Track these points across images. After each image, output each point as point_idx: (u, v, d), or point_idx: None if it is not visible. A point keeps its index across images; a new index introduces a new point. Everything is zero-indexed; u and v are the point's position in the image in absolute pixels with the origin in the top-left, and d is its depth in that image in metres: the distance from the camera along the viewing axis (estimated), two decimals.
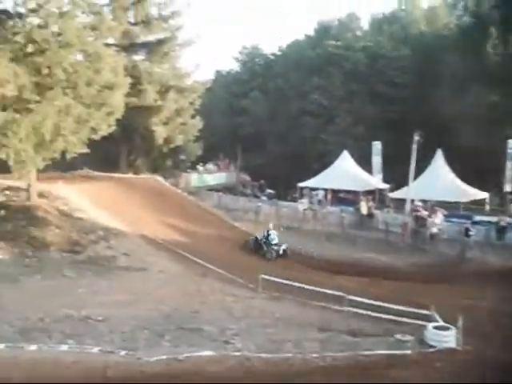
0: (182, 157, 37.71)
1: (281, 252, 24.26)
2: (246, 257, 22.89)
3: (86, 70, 21.06)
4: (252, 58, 58.10)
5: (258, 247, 24.54)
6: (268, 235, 24.63)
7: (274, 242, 24.35)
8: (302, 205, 32.90)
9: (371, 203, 31.61)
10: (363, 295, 14.95)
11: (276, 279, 17.10)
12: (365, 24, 54.19)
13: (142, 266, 18.71)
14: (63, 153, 21.11)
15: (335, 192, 35.33)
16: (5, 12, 21.31)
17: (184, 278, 18.19)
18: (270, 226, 25.18)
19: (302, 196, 35.69)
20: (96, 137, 21.98)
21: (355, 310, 14.73)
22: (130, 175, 31.79)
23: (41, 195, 22.77)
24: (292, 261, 23.34)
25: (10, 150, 19.24)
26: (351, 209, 31.64)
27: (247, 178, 43.54)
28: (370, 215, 30.34)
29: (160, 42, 34.91)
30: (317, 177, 36.16)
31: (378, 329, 13.02)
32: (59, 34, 21.04)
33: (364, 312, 14.46)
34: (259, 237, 24.76)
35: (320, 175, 36.19)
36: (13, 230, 19.75)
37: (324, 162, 37.94)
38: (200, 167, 40.42)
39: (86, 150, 21.70)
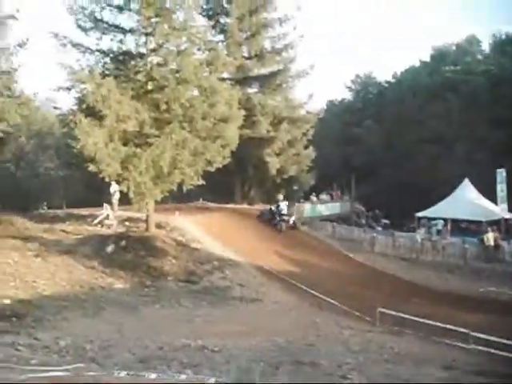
0: (295, 187, 37.67)
1: (291, 222, 27.06)
2: (362, 289, 22.17)
3: (201, 104, 21.72)
4: (365, 87, 57.59)
5: (271, 218, 27.09)
6: (278, 206, 27.12)
7: (282, 212, 26.51)
8: (420, 235, 31.57)
9: (497, 234, 29.72)
10: (490, 332, 13.86)
11: (394, 312, 16.39)
12: (486, 47, 52.11)
13: (256, 297, 18.62)
14: (180, 185, 21.75)
15: (456, 222, 33.64)
16: (128, 53, 22.60)
17: (299, 310, 17.85)
18: (280, 197, 26.14)
19: (419, 226, 34.32)
20: (211, 169, 22.48)
21: (481, 347, 13.68)
22: (243, 206, 32.18)
23: (159, 226, 23.53)
24: (410, 293, 22.33)
25: (131, 182, 20.12)
26: (474, 239, 29.90)
27: (361, 207, 42.68)
28: (497, 246, 28.49)
29: (273, 75, 35.41)
30: (436, 206, 34.66)
31: (509, 370, 11.95)
32: (177, 71, 21.95)
33: (492, 351, 13.39)
34: (273, 208, 27.36)
35: (439, 204, 34.65)
36: (132, 260, 20.45)
37: (443, 190, 36.26)
38: (313, 197, 40.13)
39: (201, 182, 22.21)
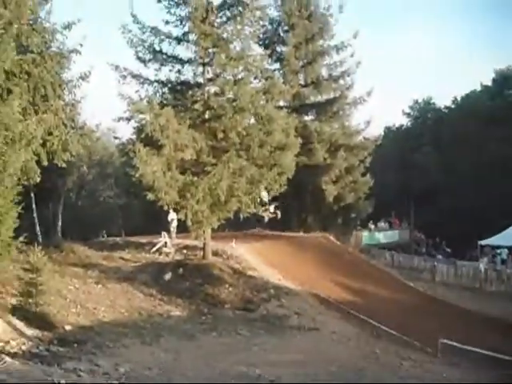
0: (353, 215, 37.20)
1: (271, 210, 26.22)
2: (422, 319, 21.52)
3: (258, 132, 21.86)
4: (424, 112, 56.69)
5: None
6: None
7: (264, 199, 24.96)
8: (484, 264, 30.53)
9: None
10: None
11: (457, 344, 15.83)
12: None
13: (313, 326, 18.31)
14: (237, 212, 21.82)
15: None
16: (185, 83, 23.04)
17: (357, 340, 17.48)
18: (261, 187, 25.68)
19: (482, 255, 33.21)
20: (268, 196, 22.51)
21: None
22: (300, 233, 31.95)
23: (216, 254, 23.60)
24: (473, 324, 21.53)
25: (188, 210, 20.32)
26: None
27: (421, 235, 41.77)
28: None
29: (330, 102, 35.39)
30: (500, 234, 33.49)
31: None
32: (234, 100, 22.19)
33: None
34: None
35: (504, 232, 33.44)
36: (190, 288, 20.53)
37: (507, 217, 35.03)
38: (371, 225, 39.52)
39: (258, 210, 22.24)
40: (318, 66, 35.36)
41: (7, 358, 10.49)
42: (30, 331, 13.48)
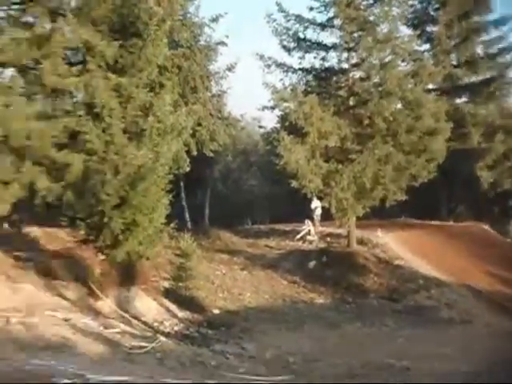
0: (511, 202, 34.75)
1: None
2: None
3: (406, 117, 21.12)
4: None
5: None
6: None
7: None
8: None
9: None
10: None
11: None
12: None
13: (466, 319, 17.40)
14: (382, 200, 21.30)
15: None
16: (329, 69, 22.81)
17: None
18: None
19: None
20: (416, 184, 21.72)
21: None
22: (450, 223, 30.47)
23: (360, 242, 23.19)
24: None
25: (333, 198, 20.18)
26: None
27: None
28: None
29: (486, 82, 33.13)
30: None
31: None
32: (380, 85, 21.63)
33: None
34: None
35: None
36: (333, 276, 20.39)
37: None
38: None
39: (404, 197, 21.56)
40: (473, 44, 33.21)
41: (162, 338, 11.14)
42: (181, 313, 14.23)
